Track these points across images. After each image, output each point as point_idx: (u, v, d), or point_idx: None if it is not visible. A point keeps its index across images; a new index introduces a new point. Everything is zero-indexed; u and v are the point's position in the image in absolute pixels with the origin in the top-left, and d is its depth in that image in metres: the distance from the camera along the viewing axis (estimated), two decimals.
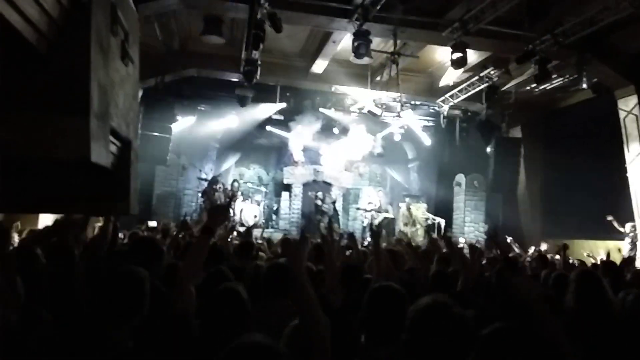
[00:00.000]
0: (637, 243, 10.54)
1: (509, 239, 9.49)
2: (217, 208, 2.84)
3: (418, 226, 14.66)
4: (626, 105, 10.82)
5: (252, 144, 15.33)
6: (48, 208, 4.22)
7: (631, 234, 10.67)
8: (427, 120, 14.43)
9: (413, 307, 1.87)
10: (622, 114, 10.94)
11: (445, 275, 4.06)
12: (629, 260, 7.10)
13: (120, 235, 7.77)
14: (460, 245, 6.52)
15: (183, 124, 13.11)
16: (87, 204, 4.15)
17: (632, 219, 10.79)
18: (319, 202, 14.63)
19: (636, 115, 10.64)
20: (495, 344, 1.67)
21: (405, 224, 14.63)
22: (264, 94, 12.83)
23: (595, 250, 9.43)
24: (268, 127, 14.55)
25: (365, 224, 14.82)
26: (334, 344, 2.07)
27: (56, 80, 3.17)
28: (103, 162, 3.58)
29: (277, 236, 11.15)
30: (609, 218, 10.74)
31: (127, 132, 4.94)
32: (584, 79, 10.36)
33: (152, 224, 9.61)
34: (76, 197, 4.01)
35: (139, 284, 2.20)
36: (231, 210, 13.37)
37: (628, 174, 10.96)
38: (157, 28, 10.18)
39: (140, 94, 10.88)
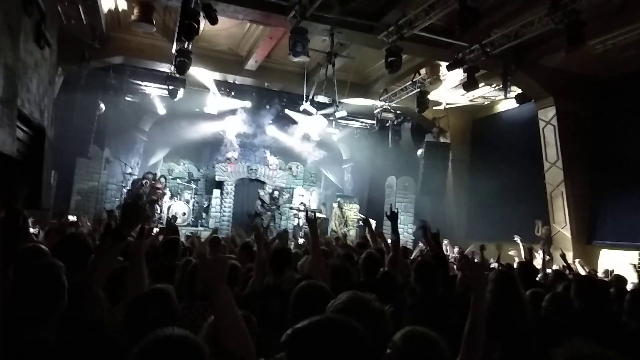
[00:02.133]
0: (551, 245, 11.19)
1: (444, 242, 9.71)
2: (131, 207, 2.58)
3: (350, 226, 14.82)
4: (545, 115, 11.50)
5: (182, 138, 14.78)
6: None
7: (546, 237, 11.32)
8: (361, 122, 14.62)
9: (333, 302, 1.87)
10: (541, 124, 11.61)
11: (376, 259, 4.10)
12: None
13: (34, 230, 7.21)
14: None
15: (107, 114, 12.39)
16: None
17: (547, 223, 11.47)
18: (262, 201, 14.51)
19: (554, 126, 11.33)
20: (407, 348, 1.64)
21: (338, 224, 14.74)
22: (196, 87, 12.42)
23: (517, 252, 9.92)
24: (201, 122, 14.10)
25: (296, 224, 14.78)
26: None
27: None
28: (8, 150, 3.25)
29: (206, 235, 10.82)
30: (538, 222, 11.30)
31: (41, 120, 4.57)
32: (509, 89, 10.89)
33: (72, 218, 8.99)
34: None
35: (56, 276, 2.13)
36: (157, 207, 12.85)
37: (545, 181, 11.64)
38: (81, 10, 9.55)
39: (61, 79, 10.18)
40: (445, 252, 9.13)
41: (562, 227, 11.34)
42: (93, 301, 2.23)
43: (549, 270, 6.88)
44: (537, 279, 5.42)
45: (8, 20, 3.03)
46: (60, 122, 10.12)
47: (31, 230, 6.97)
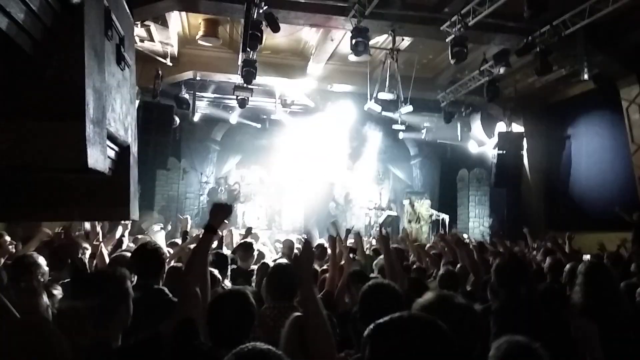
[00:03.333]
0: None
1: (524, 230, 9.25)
2: (218, 206, 2.71)
3: (422, 222, 14.58)
4: (628, 94, 10.74)
5: (252, 145, 15.24)
6: (48, 215, 4.17)
7: (637, 224, 10.55)
8: (428, 116, 14.35)
9: (418, 300, 1.85)
10: (624, 104, 10.86)
11: (454, 274, 4.01)
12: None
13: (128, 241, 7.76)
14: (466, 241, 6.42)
15: (182, 127, 13.06)
16: (87, 209, 4.09)
17: (638, 209, 10.68)
18: (336, 203, 14.63)
19: (638, 105, 10.55)
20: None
21: (410, 221, 14.55)
22: (263, 96, 12.77)
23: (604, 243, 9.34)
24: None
25: (368, 223, 14.75)
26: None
27: (50, 86, 3.10)
28: (100, 167, 3.52)
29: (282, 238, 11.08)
30: (617, 209, 10.62)
31: (126, 137, 4.89)
32: (586, 70, 10.25)
33: (156, 227, 9.54)
34: (76, 204, 3.95)
35: (119, 283, 2.25)
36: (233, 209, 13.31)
37: (632, 165, 10.87)
38: (154, 31, 10.13)
39: (138, 97, 10.83)
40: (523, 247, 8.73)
41: None
42: (190, 299, 2.29)
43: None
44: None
45: (94, 45, 3.25)
46: (141, 137, 10.78)
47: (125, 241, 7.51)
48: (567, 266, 4.01)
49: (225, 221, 3.12)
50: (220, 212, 2.68)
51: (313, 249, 2.27)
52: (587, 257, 7.07)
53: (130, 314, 2.28)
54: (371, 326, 1.34)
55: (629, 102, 10.74)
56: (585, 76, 10.46)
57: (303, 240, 2.61)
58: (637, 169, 10.81)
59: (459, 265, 4.46)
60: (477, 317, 1.80)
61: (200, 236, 2.73)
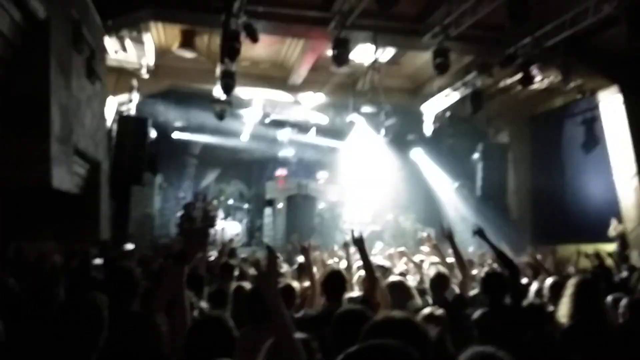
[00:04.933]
0: (626, 245, 10.42)
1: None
2: (194, 232, 2.51)
3: (407, 238, 14.34)
4: (610, 105, 10.78)
5: (232, 159, 14.90)
6: (13, 236, 3.91)
7: (620, 236, 10.55)
8: (411, 128, 14.22)
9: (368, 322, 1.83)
10: (606, 115, 10.88)
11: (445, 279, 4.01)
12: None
13: (99, 261, 7.35)
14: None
15: (158, 141, 12.67)
16: (54, 230, 3.80)
17: (620, 221, 10.69)
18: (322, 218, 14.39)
19: (620, 116, 10.59)
20: None
21: (394, 236, 14.30)
22: (243, 107, 12.51)
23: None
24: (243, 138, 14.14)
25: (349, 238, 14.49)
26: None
27: (14, 104, 2.93)
28: (66, 187, 3.23)
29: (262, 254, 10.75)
30: (613, 220, 10.59)
31: (96, 153, 4.59)
32: (568, 81, 10.26)
33: (129, 247, 9.12)
34: (43, 224, 3.67)
35: (97, 311, 2.18)
36: (211, 232, 12.95)
37: (613, 176, 10.87)
38: (128, 43, 9.82)
39: (113, 110, 10.47)
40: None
41: (638, 225, 10.50)
42: (154, 330, 2.22)
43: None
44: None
45: (60, 61, 3.02)
46: (114, 152, 10.38)
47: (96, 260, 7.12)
48: (548, 282, 4.05)
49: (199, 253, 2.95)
50: (195, 240, 2.54)
51: (278, 264, 2.10)
52: (571, 269, 6.97)
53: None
54: (341, 356, 1.34)
55: (612, 112, 10.76)
56: (568, 87, 10.50)
57: (267, 255, 2.47)
58: (618, 181, 10.82)
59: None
60: (430, 340, 1.80)
61: (171, 265, 2.60)
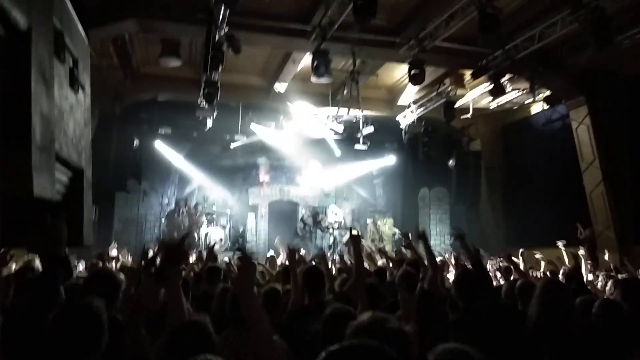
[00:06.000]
0: (595, 248, 10.81)
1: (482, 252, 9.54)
2: (172, 247, 2.55)
3: (385, 241, 14.72)
4: (578, 115, 11.21)
5: (215, 166, 15.09)
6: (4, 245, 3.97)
7: (589, 239, 10.96)
8: (389, 137, 14.60)
9: (352, 323, 1.86)
10: (574, 124, 11.31)
11: (412, 275, 4.04)
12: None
13: (81, 267, 7.45)
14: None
15: (142, 148, 12.81)
16: (37, 237, 3.93)
17: (589, 225, 11.11)
18: (304, 224, 14.59)
19: (587, 125, 11.03)
20: None
21: (373, 240, 14.66)
22: (226, 114, 12.71)
23: (556, 257, 9.63)
24: (233, 145, 14.35)
25: (332, 242, 14.78)
26: None
27: None
28: (48, 195, 3.41)
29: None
30: (578, 225, 10.99)
31: (79, 161, 4.77)
32: (537, 92, 10.71)
33: (113, 253, 9.26)
34: (24, 231, 3.80)
35: (96, 317, 2.08)
36: (196, 236, 13.09)
37: (584, 182, 11.31)
38: (112, 52, 9.98)
39: (96, 119, 10.59)
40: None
41: (606, 228, 10.96)
42: (136, 338, 2.22)
43: (593, 275, 6.65)
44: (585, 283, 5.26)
45: (41, 70, 3.20)
46: (98, 159, 10.50)
47: (79, 267, 7.20)
48: (518, 283, 4.08)
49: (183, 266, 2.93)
50: (172, 257, 2.51)
51: (251, 266, 2.21)
52: (538, 273, 7.29)
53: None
54: (323, 354, 1.36)
55: (578, 122, 11.21)
56: (537, 97, 10.94)
57: (239, 259, 2.49)
58: (588, 187, 11.26)
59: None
60: (408, 341, 1.82)
61: (147, 283, 2.58)
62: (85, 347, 1.98)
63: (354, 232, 3.98)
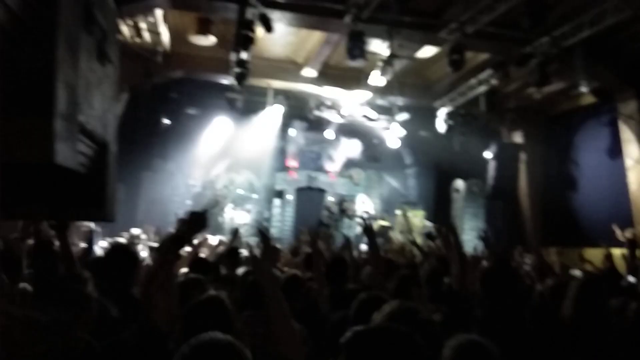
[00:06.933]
0: (636, 249, 10.26)
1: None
2: (195, 215, 2.53)
3: (415, 234, 14.30)
4: (626, 109, 10.67)
5: (242, 149, 14.93)
6: (18, 214, 3.91)
7: (630, 241, 10.41)
8: (424, 124, 14.14)
9: (376, 314, 1.88)
10: (621, 119, 10.75)
11: (439, 275, 3.94)
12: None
13: (105, 243, 7.45)
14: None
15: (171, 128, 12.75)
16: (61, 208, 3.81)
17: (631, 225, 10.55)
18: (329, 212, 14.39)
19: (635, 120, 10.45)
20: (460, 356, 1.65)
21: (401, 232, 14.26)
22: (255, 97, 12.52)
23: (597, 257, 9.16)
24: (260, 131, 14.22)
25: (360, 232, 14.47)
26: (322, 348, 2.21)
27: (20, 80, 2.92)
28: (70, 164, 3.25)
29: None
30: (614, 227, 10.48)
31: (104, 134, 4.61)
32: (585, 83, 10.11)
33: (136, 231, 9.22)
34: (49, 202, 3.68)
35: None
36: (218, 219, 13.01)
37: (627, 179, 10.75)
38: (144, 28, 9.85)
39: (126, 96, 10.51)
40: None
41: None
42: (152, 309, 2.15)
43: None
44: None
45: (69, 39, 3.00)
46: (127, 137, 10.44)
47: (101, 242, 7.21)
48: (553, 283, 3.93)
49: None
50: (196, 223, 2.49)
51: (272, 249, 2.12)
52: (577, 272, 6.89)
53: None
54: (349, 333, 1.40)
55: (626, 117, 10.63)
56: (584, 89, 10.33)
57: (260, 240, 2.46)
58: (632, 185, 10.69)
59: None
60: (435, 329, 1.87)
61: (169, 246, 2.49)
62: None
63: (368, 223, 3.96)
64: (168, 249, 2.43)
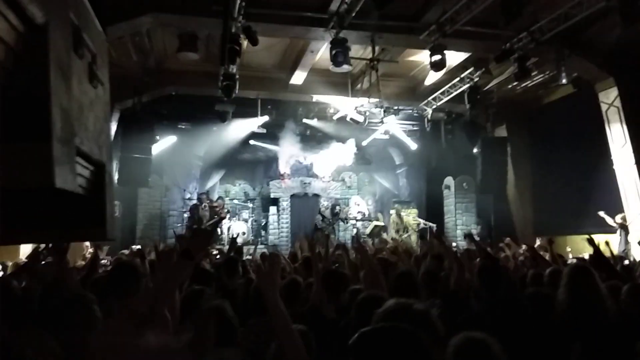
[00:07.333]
0: (628, 234, 10.50)
1: (506, 240, 9.47)
2: (202, 231, 2.64)
3: (410, 232, 14.52)
4: (607, 97, 10.83)
5: (236, 160, 15.11)
6: (20, 238, 4.02)
7: (621, 226, 10.64)
8: (412, 125, 14.38)
9: (377, 311, 1.89)
10: (603, 107, 10.95)
11: (435, 275, 3.98)
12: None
13: (106, 261, 7.56)
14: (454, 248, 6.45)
15: (164, 144, 12.89)
16: (62, 231, 3.95)
17: (621, 210, 10.77)
18: (322, 216, 14.51)
19: (617, 107, 10.66)
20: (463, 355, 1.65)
21: (397, 231, 14.47)
22: (245, 108, 12.68)
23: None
24: (252, 141, 14.40)
25: (355, 233, 14.65)
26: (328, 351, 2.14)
27: (16, 108, 3.05)
28: (69, 187, 3.42)
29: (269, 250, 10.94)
30: (601, 214, 10.69)
31: (100, 155, 4.78)
32: (564, 74, 10.35)
33: (137, 247, 9.33)
34: (49, 225, 3.82)
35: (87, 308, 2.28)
36: (218, 230, 13.14)
37: (614, 166, 10.95)
38: (131, 48, 10.01)
39: (117, 115, 10.65)
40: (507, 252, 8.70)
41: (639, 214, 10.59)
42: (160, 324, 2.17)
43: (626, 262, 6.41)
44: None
45: (60, 65, 3.16)
46: (121, 155, 10.59)
47: (103, 261, 7.29)
48: (547, 270, 4.06)
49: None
50: (202, 238, 2.50)
51: (278, 262, 2.20)
52: (571, 260, 7.09)
53: None
54: (356, 335, 1.42)
55: (608, 105, 10.83)
56: (564, 80, 10.56)
57: (270, 255, 2.52)
58: (618, 170, 10.88)
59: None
60: (434, 324, 1.86)
61: (175, 263, 2.54)
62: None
63: (358, 234, 3.92)
64: (178, 266, 2.42)
